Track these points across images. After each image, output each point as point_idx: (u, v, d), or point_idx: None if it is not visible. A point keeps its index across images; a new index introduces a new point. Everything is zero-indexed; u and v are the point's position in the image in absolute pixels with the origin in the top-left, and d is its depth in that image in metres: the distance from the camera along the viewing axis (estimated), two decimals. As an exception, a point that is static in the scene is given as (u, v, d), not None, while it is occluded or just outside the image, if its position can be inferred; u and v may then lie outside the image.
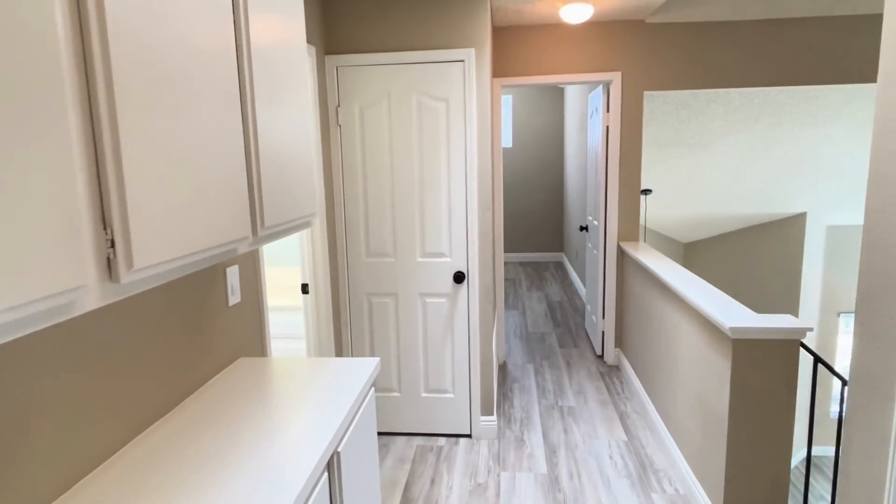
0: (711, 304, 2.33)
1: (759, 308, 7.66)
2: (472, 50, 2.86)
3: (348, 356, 3.18)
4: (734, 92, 4.58)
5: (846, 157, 5.71)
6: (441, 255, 3.05)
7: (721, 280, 7.99)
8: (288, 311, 3.13)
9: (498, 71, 3.99)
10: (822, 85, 3.94)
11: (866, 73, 3.80)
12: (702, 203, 6.95)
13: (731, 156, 5.76)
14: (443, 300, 3.09)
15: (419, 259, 3.06)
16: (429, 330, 3.13)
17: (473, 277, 3.03)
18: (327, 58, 2.92)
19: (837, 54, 3.76)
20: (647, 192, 6.35)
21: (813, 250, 7.24)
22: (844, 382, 2.39)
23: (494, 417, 3.20)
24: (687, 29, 3.80)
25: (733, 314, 2.18)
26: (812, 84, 3.88)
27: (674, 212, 7.24)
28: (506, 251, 8.46)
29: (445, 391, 3.17)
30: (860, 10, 3.67)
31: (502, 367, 4.29)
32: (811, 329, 2.01)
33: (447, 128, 2.94)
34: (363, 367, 1.82)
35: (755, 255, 7.66)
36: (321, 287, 2.84)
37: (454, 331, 3.11)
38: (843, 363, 7.88)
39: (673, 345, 2.86)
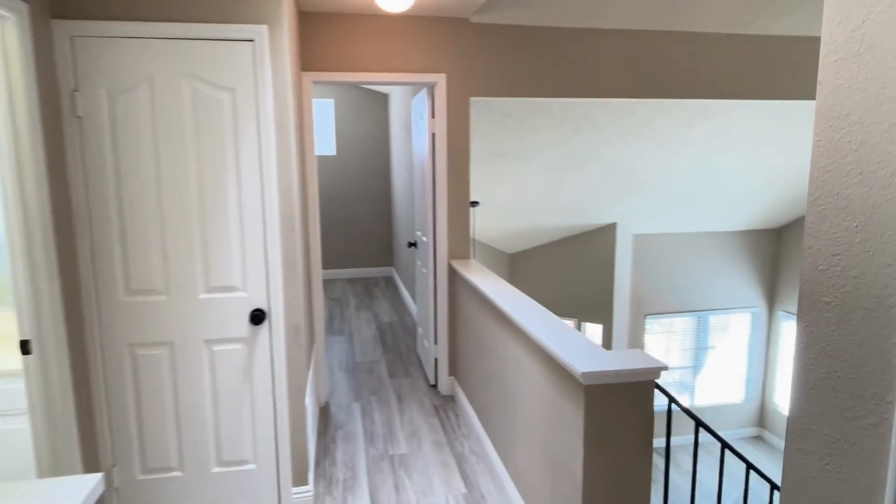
0: (558, 342, 1.99)
1: (579, 313, 7.98)
2: (265, 28, 2.24)
3: (100, 432, 2.34)
4: (555, 104, 4.52)
5: (650, 171, 6.08)
6: (232, 288, 2.37)
7: (544, 288, 8.20)
8: (4, 377, 2.21)
9: (307, 63, 3.40)
10: (634, 99, 3.98)
11: (677, 88, 3.91)
12: (526, 214, 7.01)
13: (553, 168, 5.80)
14: (237, 346, 2.41)
15: (203, 296, 2.35)
16: (220, 386, 2.42)
17: (277, 314, 2.41)
18: (54, 23, 2.10)
19: (651, 69, 3.81)
20: (474, 203, 6.19)
21: (622, 257, 7.71)
22: (699, 423, 2.22)
23: (310, 486, 2.59)
24: (511, 32, 3.58)
25: (584, 355, 1.85)
26: (625, 98, 3.89)
27: (500, 223, 7.22)
28: (332, 267, 7.82)
29: (245, 462, 2.49)
30: (678, 27, 3.76)
31: (324, 411, 3.67)
32: (666, 368, 1.75)
33: (235, 126, 2.29)
34: (71, 495, 1.13)
35: (574, 263, 7.99)
36: (51, 341, 2.00)
37: (254, 384, 2.45)
38: (650, 361, 8.50)
39: (514, 381, 2.51)
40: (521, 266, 8.35)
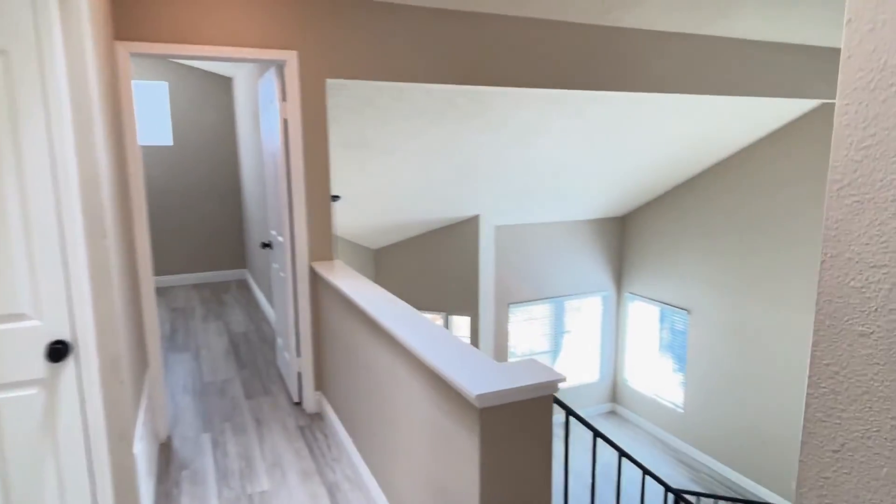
0: (443, 357, 1.73)
1: (446, 307, 7.91)
2: (48, -28, 1.70)
3: None
4: (418, 91, 4.28)
5: (511, 162, 6.11)
6: (17, 317, 1.80)
7: (410, 283, 8.01)
8: None
9: (123, 32, 2.78)
10: (495, 88, 3.85)
11: (535, 77, 3.84)
12: (390, 208, 6.73)
13: (416, 160, 5.58)
14: (30, 392, 1.84)
15: (-27, 329, 1.75)
16: (7, 448, 1.84)
17: (86, 344, 1.87)
18: None
19: (511, 57, 3.70)
20: (335, 198, 5.77)
21: (486, 249, 7.76)
22: (596, 434, 2.09)
23: (145, 553, 2.10)
24: (372, 8, 3.25)
25: (475, 373, 1.61)
26: (487, 86, 3.75)
27: (364, 218, 6.87)
28: (174, 272, 6.92)
29: (50, 538, 1.93)
30: (534, 13, 3.67)
31: (165, 448, 3.10)
32: (564, 379, 1.56)
33: (11, 102, 1.72)
34: None
35: (439, 257, 7.88)
36: None
37: (59, 438, 1.89)
38: (515, 349, 8.73)
39: (392, 400, 2.22)
40: (386, 262, 8.07)
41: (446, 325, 7.91)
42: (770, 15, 3.76)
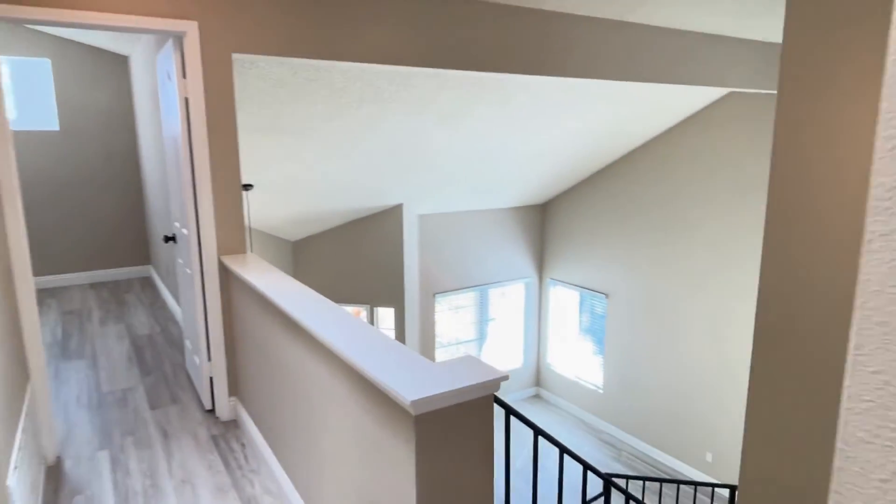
0: (372, 359, 1.56)
1: (370, 299, 7.69)
2: None
3: None
4: (336, 71, 4.03)
5: (434, 149, 5.97)
6: None
7: (333, 275, 7.71)
8: None
9: (-19, -8, 2.36)
10: (418, 69, 3.68)
11: (459, 59, 3.71)
12: (309, 197, 6.41)
13: (335, 145, 5.31)
14: None
15: None
16: None
17: (-62, 364, 1.54)
18: None
19: (433, 35, 3.54)
20: (248, 186, 5.40)
21: (410, 239, 7.60)
22: (538, 432, 1.99)
23: None
24: (281, -21, 2.97)
25: (408, 375, 1.45)
26: (409, 66, 3.56)
27: (280, 208, 6.50)
28: (66, 271, 6.26)
29: None
30: (453, -7, 3.52)
31: (54, 471, 2.72)
32: (506, 377, 1.44)
33: None
34: None
35: (362, 248, 7.64)
36: None
37: None
38: (442, 338, 8.65)
39: (315, 406, 2.02)
40: (305, 254, 7.72)
41: (371, 317, 7.70)
42: (687, 4, 3.83)
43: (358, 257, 7.61)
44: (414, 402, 1.30)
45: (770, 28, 4.61)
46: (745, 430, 2.91)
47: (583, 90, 5.26)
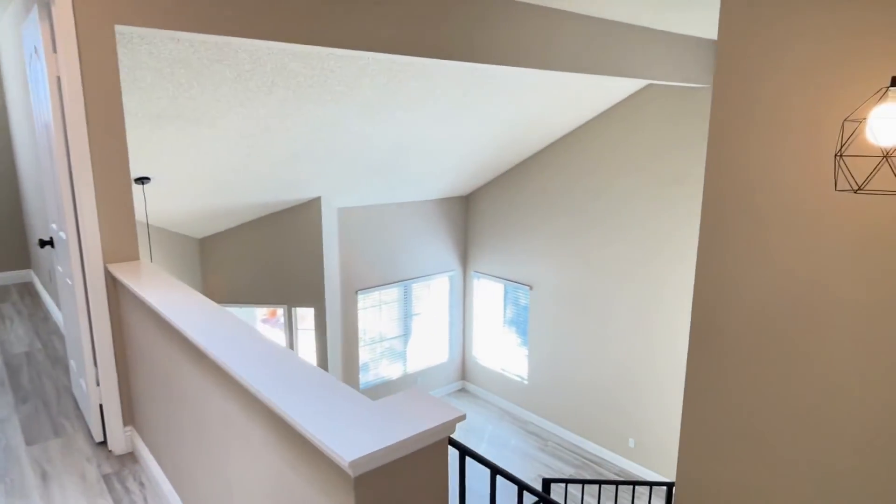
0: (295, 401, 1.27)
1: (288, 298, 7.23)
2: None
3: None
4: (242, 51, 3.60)
5: (354, 138, 5.62)
6: None
7: (245, 274, 7.18)
8: None
9: None
10: (336, 49, 3.34)
11: (377, 40, 3.40)
12: (216, 191, 5.86)
13: (245, 134, 4.84)
14: None
15: None
16: None
17: None
18: None
19: (360, 16, 3.21)
20: (143, 180, 4.82)
21: (329, 234, 7.21)
22: (495, 471, 1.77)
23: None
24: (174, -60, 2.54)
25: (344, 424, 1.18)
26: (325, 46, 3.22)
27: (183, 203, 5.91)
28: (-79, 280, 5.36)
29: None
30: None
31: None
32: (463, 417, 1.20)
33: None
34: None
35: (279, 244, 7.15)
36: None
37: None
38: (364, 337, 8.32)
39: (225, 447, 1.69)
40: (214, 253, 7.12)
41: (289, 318, 7.24)
42: (615, -9, 3.73)
43: (273, 255, 7.12)
44: (353, 463, 1.03)
45: (690, 22, 4.65)
46: (682, 427, 2.86)
47: (504, 79, 5.11)
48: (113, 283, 2.60)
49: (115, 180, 2.55)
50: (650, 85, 6.38)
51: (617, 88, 6.25)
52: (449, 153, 6.82)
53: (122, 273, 2.45)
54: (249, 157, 5.27)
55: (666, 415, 6.84)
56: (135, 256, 2.65)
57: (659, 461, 6.97)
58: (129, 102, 3.78)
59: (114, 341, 2.65)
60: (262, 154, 5.28)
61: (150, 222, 6.09)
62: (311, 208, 6.92)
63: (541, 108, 6.13)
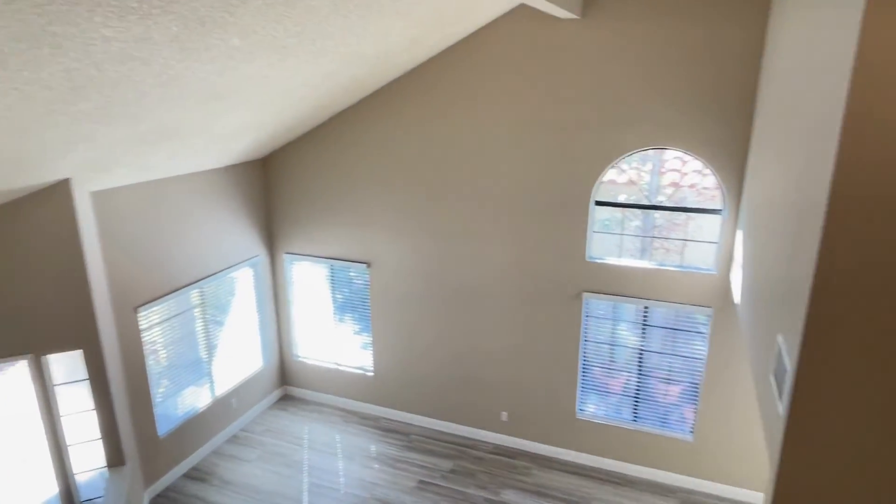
0: None
1: (32, 344, 4.55)
2: None
3: None
4: None
5: (112, 95, 3.44)
6: None
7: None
8: None
9: None
10: None
11: None
12: None
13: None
14: None
15: None
16: None
17: None
18: None
19: None
20: None
21: (88, 230, 4.74)
22: None
23: None
24: None
25: None
26: None
27: None
28: None
29: None
30: None
31: None
32: None
33: None
34: None
35: (10, 253, 4.40)
36: None
37: None
38: (156, 366, 5.99)
39: None
40: None
41: (40, 373, 4.64)
42: None
43: (3, 270, 4.39)
44: None
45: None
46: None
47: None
48: None
49: None
50: (522, 3, 5.43)
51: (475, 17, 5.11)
52: (238, 102, 4.91)
53: None
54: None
55: (536, 380, 6.37)
56: None
57: (536, 430, 6.54)
58: None
59: None
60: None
61: None
62: (56, 197, 4.37)
63: (376, 45, 4.65)
